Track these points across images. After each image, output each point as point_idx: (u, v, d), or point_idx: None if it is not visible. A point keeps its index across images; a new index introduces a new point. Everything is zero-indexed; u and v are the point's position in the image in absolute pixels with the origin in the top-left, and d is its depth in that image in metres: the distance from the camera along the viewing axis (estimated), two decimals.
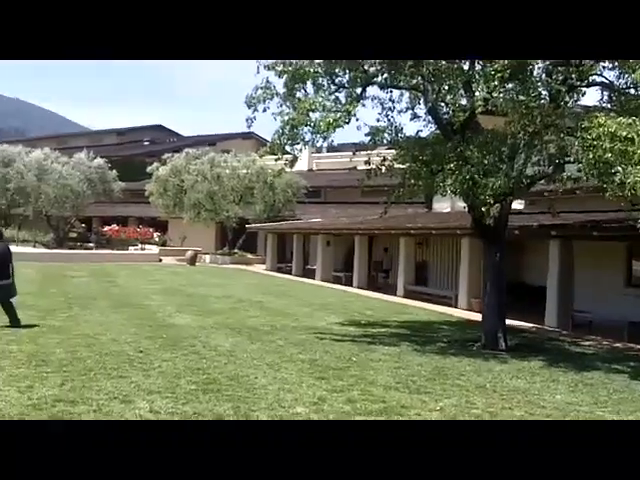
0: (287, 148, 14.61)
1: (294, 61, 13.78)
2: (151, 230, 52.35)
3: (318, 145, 14.96)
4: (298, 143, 14.31)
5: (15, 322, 14.37)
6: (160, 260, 43.32)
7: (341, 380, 10.46)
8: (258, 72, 13.94)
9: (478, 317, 17.07)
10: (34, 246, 46.96)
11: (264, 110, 14.10)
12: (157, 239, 52.14)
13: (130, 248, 48.67)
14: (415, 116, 15.38)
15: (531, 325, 18.53)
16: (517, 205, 15.67)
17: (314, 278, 33.60)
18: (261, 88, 14.04)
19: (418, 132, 15.61)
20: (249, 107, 14.09)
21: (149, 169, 47.45)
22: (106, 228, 53.66)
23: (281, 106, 14.21)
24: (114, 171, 52.02)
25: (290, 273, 36.96)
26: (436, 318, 20.04)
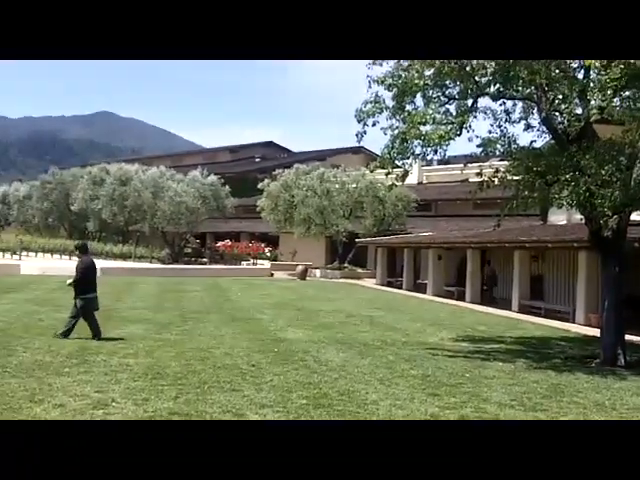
0: (397, 162, 14.49)
1: (403, 74, 13.72)
2: (262, 245, 53.11)
3: (429, 158, 14.76)
4: (408, 157, 14.18)
5: (97, 334, 14.78)
6: (271, 275, 43.85)
7: (454, 397, 10.25)
8: (370, 87, 13.95)
9: (596, 333, 16.50)
10: (150, 262, 48.38)
11: (373, 124, 14.08)
12: (268, 254, 52.84)
13: (242, 263, 49.53)
14: (529, 126, 15.08)
15: None
16: (637, 216, 15.05)
17: (425, 293, 33.28)
18: (370, 102, 14.02)
19: (532, 142, 15.29)
20: (359, 121, 14.09)
21: (260, 185, 48.14)
22: (219, 243, 54.78)
23: (390, 119, 14.14)
24: (227, 188, 53.09)
25: (400, 288, 36.72)
26: (552, 334, 19.48)
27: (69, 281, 15.11)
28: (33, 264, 41.21)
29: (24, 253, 50.08)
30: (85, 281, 14.99)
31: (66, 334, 14.69)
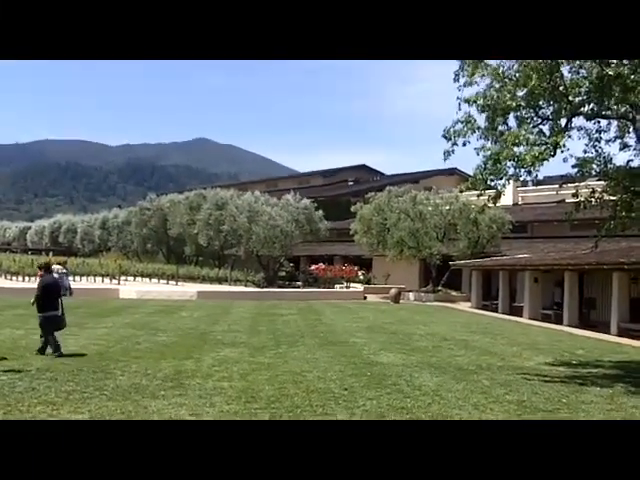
0: (489, 183, 14.34)
1: (495, 94, 13.60)
2: (356, 268, 53.11)
3: (522, 179, 14.54)
4: (501, 178, 14.00)
5: (51, 350, 15.16)
6: (365, 298, 43.78)
7: None
8: (459, 108, 13.88)
9: None
10: (245, 285, 49.02)
11: (464, 144, 13.97)
12: (362, 277, 52.78)
13: (336, 286, 49.63)
14: (625, 146, 14.71)
15: None
16: None
17: (521, 316, 32.64)
18: (462, 122, 13.93)
19: (628, 162, 14.90)
20: (448, 140, 14.00)
21: (353, 208, 48.24)
22: (313, 267, 55.04)
23: (480, 139, 14.02)
24: (320, 211, 53.48)
25: (496, 311, 36.13)
26: None
27: (32, 300, 15.56)
28: (131, 288, 42.30)
29: (123, 277, 51.48)
30: (45, 299, 15.38)
31: (42, 351, 15.22)
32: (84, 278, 51.20)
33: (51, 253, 69.76)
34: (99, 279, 51.41)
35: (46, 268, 16.68)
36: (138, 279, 54.19)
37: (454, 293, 45.13)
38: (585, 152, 14.59)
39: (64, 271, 36.40)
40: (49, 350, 15.22)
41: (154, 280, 53.79)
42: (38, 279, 16.72)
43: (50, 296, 15.56)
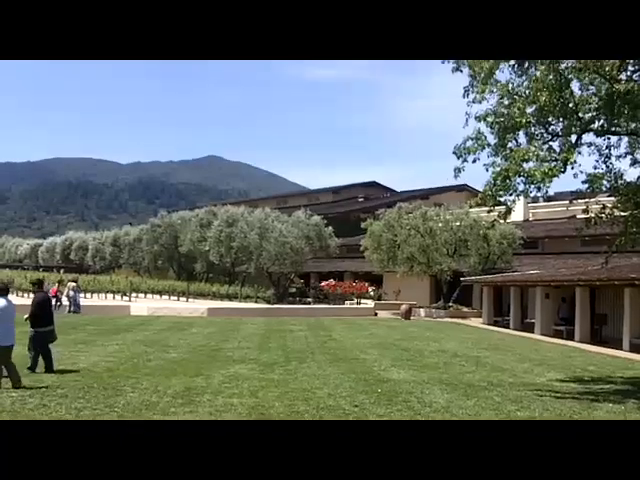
0: (499, 199, 14.33)
1: (505, 111, 13.62)
2: (366, 284, 53.06)
3: (532, 195, 14.54)
4: (511, 194, 13.99)
5: (49, 368, 15.24)
6: (375, 314, 43.71)
7: None
8: (467, 124, 13.89)
9: None
10: (256, 301, 49.06)
11: (474, 161, 13.96)
12: (372, 293, 52.72)
13: (346, 302, 49.60)
14: (635, 161, 14.70)
15: None
16: None
17: (533, 332, 32.51)
18: (472, 139, 13.92)
19: (639, 178, 14.85)
20: (458, 157, 14.00)
21: (363, 225, 48.24)
22: (323, 283, 55.04)
23: (491, 156, 14.01)
24: (330, 228, 53.54)
25: (507, 327, 35.99)
26: None
27: (25, 316, 15.68)
28: (143, 305, 42.40)
29: (134, 294, 51.62)
30: (39, 315, 15.57)
31: (32, 368, 15.21)
32: (95, 295, 51.38)
33: (62, 270, 70.01)
34: (110, 296, 51.62)
35: (39, 285, 16.87)
36: (149, 296, 54.36)
37: (465, 309, 45.00)
38: (595, 168, 14.59)
39: (76, 288, 36.59)
40: (52, 364, 15.37)
41: (165, 297, 53.94)
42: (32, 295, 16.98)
43: (44, 312, 15.77)
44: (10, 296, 14.29)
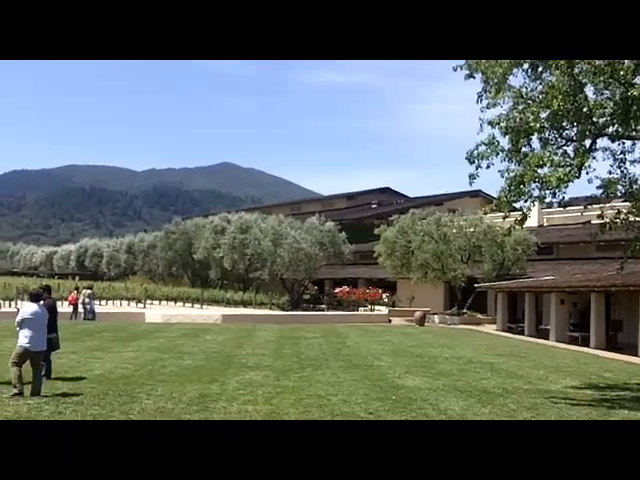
0: (514, 205, 14.27)
1: (518, 116, 13.57)
2: (380, 291, 52.99)
3: (547, 201, 14.47)
4: (526, 200, 13.93)
5: (47, 375, 15.08)
6: (389, 321, 43.63)
7: None
8: (481, 129, 13.85)
9: None
10: (270, 308, 49.08)
11: (487, 166, 13.90)
12: (386, 300, 52.65)
13: (360, 309, 49.54)
14: None
15: None
16: None
17: (547, 338, 32.35)
18: (485, 144, 13.86)
19: None
20: (471, 163, 13.93)
21: (377, 231, 48.24)
22: (337, 290, 55.00)
23: (504, 161, 13.96)
24: (344, 234, 53.52)
25: (522, 333, 35.82)
26: None
27: None
28: (157, 312, 42.50)
29: (148, 301, 51.75)
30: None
31: (47, 375, 15.13)
32: (110, 302, 51.53)
33: (77, 277, 70.30)
34: (125, 303, 51.75)
35: (47, 291, 16.77)
36: (163, 303, 54.48)
37: (479, 315, 44.86)
38: (610, 173, 14.51)
39: (92, 295, 36.78)
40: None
41: (179, 304, 54.04)
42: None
43: (50, 319, 15.83)
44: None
